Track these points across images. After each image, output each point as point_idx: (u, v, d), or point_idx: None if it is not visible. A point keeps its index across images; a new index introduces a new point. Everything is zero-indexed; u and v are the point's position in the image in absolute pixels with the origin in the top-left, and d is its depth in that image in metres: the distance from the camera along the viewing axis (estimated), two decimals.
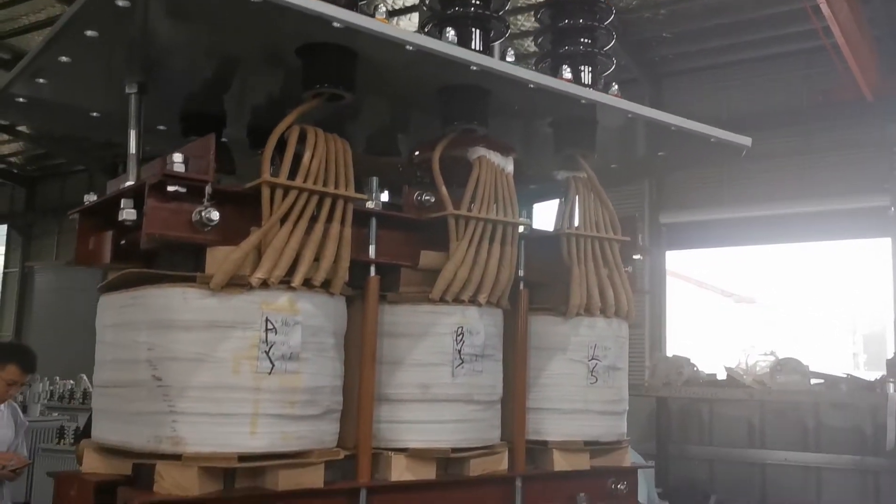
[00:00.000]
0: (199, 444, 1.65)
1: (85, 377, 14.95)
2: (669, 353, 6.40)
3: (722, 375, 6.60)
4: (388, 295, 1.98)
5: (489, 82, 2.00)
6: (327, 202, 1.80)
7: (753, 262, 14.10)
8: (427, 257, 2.01)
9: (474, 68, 1.89)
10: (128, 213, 1.81)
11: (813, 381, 5.96)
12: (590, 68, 2.32)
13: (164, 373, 1.67)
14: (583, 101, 2.09)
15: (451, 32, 1.93)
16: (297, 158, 1.82)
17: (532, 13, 3.80)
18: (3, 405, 6.06)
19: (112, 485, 1.79)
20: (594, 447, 2.23)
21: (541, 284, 2.25)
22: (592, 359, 2.22)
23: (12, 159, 20.82)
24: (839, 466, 5.50)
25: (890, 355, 8.32)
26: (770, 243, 11.99)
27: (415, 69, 1.92)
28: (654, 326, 11.01)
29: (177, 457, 1.64)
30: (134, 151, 1.95)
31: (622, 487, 2.29)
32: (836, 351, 14.73)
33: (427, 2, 2.21)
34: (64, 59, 1.84)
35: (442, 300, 1.97)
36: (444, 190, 2.01)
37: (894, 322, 10.64)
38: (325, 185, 1.80)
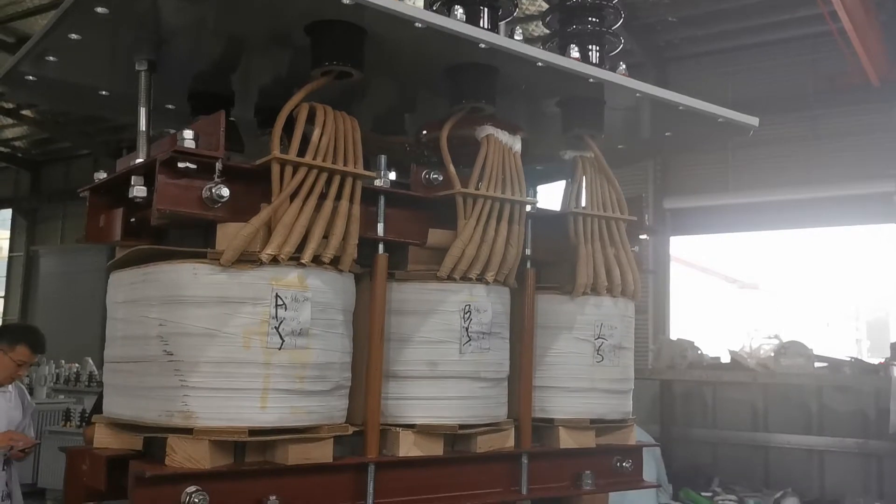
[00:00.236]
0: (210, 418, 1.67)
1: (90, 360, 15.03)
2: (673, 337, 6.40)
3: (726, 359, 6.62)
4: (397, 273, 1.99)
5: (497, 61, 2.00)
6: (336, 179, 1.81)
7: (757, 248, 14.09)
8: (435, 235, 2.02)
9: (483, 46, 1.89)
10: (138, 190, 1.82)
11: (816, 364, 5.97)
12: (597, 48, 2.32)
13: (175, 348, 1.69)
14: (591, 80, 2.09)
15: (459, 10, 1.93)
16: (305, 139, 1.83)
17: None
18: (10, 386, 6.11)
19: (123, 459, 1.81)
20: (600, 425, 2.25)
21: (548, 263, 2.26)
22: (598, 337, 2.23)
23: (17, 143, 20.84)
24: (842, 449, 5.52)
25: (894, 339, 8.32)
26: (775, 229, 11.97)
27: (423, 47, 1.92)
28: (657, 311, 11.02)
29: (188, 431, 1.66)
30: (144, 129, 1.95)
31: (627, 465, 2.30)
32: (840, 337, 14.74)
33: None
34: (74, 36, 1.85)
35: (450, 278, 1.98)
36: (452, 168, 2.01)
37: None
38: (334, 162, 1.81)
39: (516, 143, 2.12)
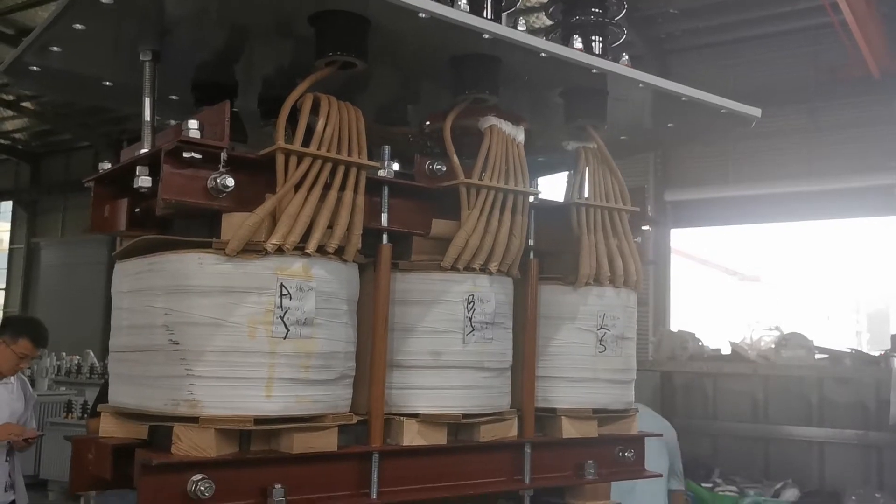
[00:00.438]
0: (215, 407, 1.68)
1: (91, 352, 15.07)
2: (674, 329, 6.41)
3: (727, 350, 6.63)
4: (400, 263, 2.00)
5: (500, 51, 2.00)
6: (341, 169, 1.82)
7: (758, 241, 14.10)
8: (439, 226, 2.03)
9: (487, 36, 1.89)
10: (143, 180, 1.83)
11: (817, 356, 5.98)
12: (600, 38, 2.32)
13: (180, 337, 1.70)
14: (594, 71, 2.09)
15: (462, 0, 1.93)
16: (309, 129, 1.83)
17: None
18: (13, 378, 6.12)
19: (128, 448, 1.82)
20: (602, 415, 2.26)
21: (550, 254, 2.27)
22: (601, 328, 2.24)
23: (17, 135, 20.82)
24: (842, 441, 5.53)
25: (894, 332, 8.32)
26: (776, 221, 11.98)
27: (426, 37, 1.92)
28: (658, 302, 11.05)
29: (194, 419, 1.67)
30: (148, 119, 1.96)
31: (629, 455, 2.32)
32: (840, 329, 14.77)
33: None
34: (78, 26, 1.85)
35: (453, 268, 1.99)
36: (455, 158, 2.02)
37: None
38: (338, 152, 1.81)
39: (520, 134, 2.12)
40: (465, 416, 1.99)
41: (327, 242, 1.79)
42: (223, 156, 1.72)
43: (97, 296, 19.45)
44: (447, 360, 1.98)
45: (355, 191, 1.84)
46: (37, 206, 21.54)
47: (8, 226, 22.30)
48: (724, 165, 11.32)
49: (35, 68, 2.11)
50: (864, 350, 7.24)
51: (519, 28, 2.09)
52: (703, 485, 5.94)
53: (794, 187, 11.12)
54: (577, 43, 2.19)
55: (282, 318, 1.72)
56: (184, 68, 2.17)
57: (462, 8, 1.91)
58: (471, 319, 2.01)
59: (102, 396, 6.22)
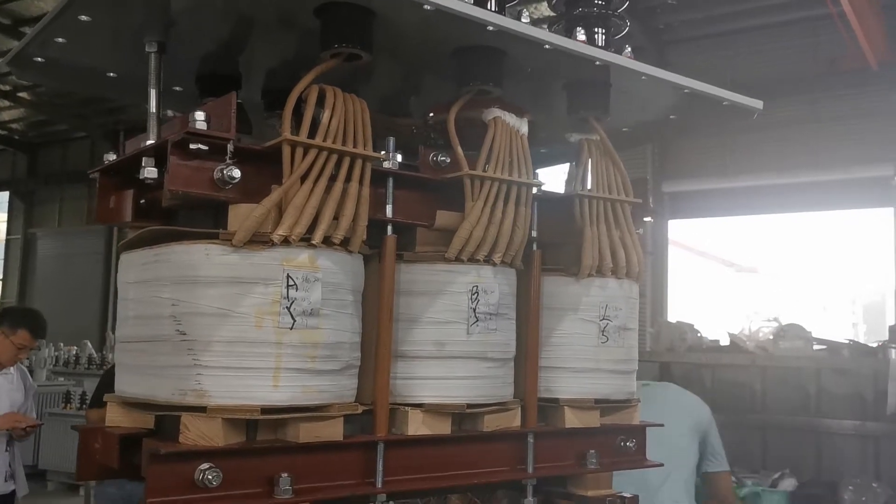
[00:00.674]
0: (223, 397, 1.69)
1: (89, 343, 15.07)
2: (672, 320, 6.44)
3: (725, 342, 6.66)
4: (405, 254, 2.01)
5: (504, 43, 2.01)
6: (346, 161, 1.83)
7: (755, 232, 14.13)
8: (443, 217, 2.04)
9: (491, 28, 1.90)
10: (149, 171, 1.84)
11: (815, 347, 6.01)
12: (603, 30, 2.33)
13: (188, 327, 1.71)
14: (597, 63, 2.10)
15: None
16: (313, 121, 1.84)
17: None
18: (12, 368, 6.14)
19: (134, 437, 1.84)
20: (604, 405, 2.27)
21: (553, 245, 2.28)
22: (603, 319, 2.25)
23: (13, 126, 20.78)
24: (840, 431, 5.57)
25: (890, 324, 8.36)
26: (773, 213, 12.01)
27: (430, 29, 1.93)
28: (655, 294, 11.08)
29: (201, 409, 1.68)
30: (154, 110, 1.96)
31: (631, 445, 2.33)
32: (837, 321, 14.80)
33: None
34: (84, 18, 1.86)
35: (457, 259, 2.00)
36: (459, 150, 2.03)
37: (895, 291, 10.69)
38: (343, 144, 1.82)
39: (523, 126, 2.13)
40: (470, 405, 2.01)
41: (333, 233, 1.80)
42: (230, 147, 1.73)
43: (94, 286, 19.46)
44: (451, 350, 2.00)
45: (361, 182, 1.85)
46: (34, 197, 21.51)
47: (5, 216, 22.27)
48: (721, 157, 11.34)
49: (39, 59, 2.11)
50: (862, 341, 7.27)
51: (522, 20, 2.09)
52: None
53: (792, 178, 11.15)
54: (581, 35, 2.20)
55: (288, 308, 1.73)
56: (188, 59, 2.17)
57: (466, 0, 1.92)
58: (475, 310, 2.02)
59: (102, 387, 6.24)
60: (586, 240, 2.21)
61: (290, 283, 1.74)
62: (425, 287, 2.00)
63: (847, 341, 6.13)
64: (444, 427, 1.99)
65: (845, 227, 13.13)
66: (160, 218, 2.00)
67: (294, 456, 1.77)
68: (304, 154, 1.77)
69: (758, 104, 2.41)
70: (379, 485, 1.87)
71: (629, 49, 2.30)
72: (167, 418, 1.83)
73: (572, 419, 2.21)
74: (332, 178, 1.81)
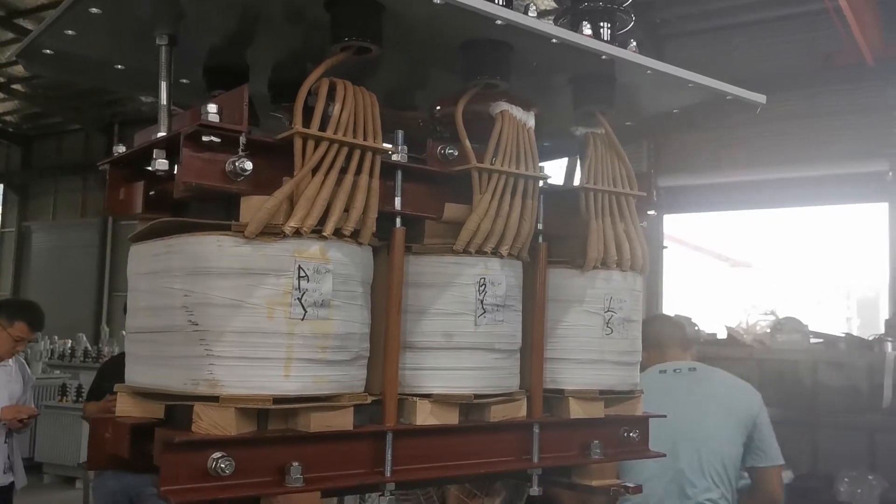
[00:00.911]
0: (235, 387, 1.71)
1: (84, 336, 15.06)
2: (670, 313, 6.47)
3: (722, 335, 6.69)
4: (414, 246, 2.03)
5: (512, 37, 2.02)
6: (356, 154, 1.85)
7: (749, 227, 14.17)
8: (451, 209, 2.06)
9: (500, 22, 1.91)
10: (160, 163, 1.85)
11: (812, 340, 6.05)
12: (609, 25, 2.34)
13: (200, 318, 1.72)
14: (604, 57, 2.12)
15: None
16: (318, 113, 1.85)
17: None
18: (11, 360, 6.15)
19: (145, 427, 1.86)
20: (609, 396, 2.30)
21: (558, 237, 2.30)
22: (608, 311, 2.27)
23: (7, 118, 20.71)
24: (835, 424, 5.61)
25: (882, 320, 8.40)
26: (768, 207, 12.05)
27: (439, 23, 1.94)
28: (650, 287, 11.12)
29: (214, 398, 1.70)
30: (165, 103, 1.98)
31: (634, 436, 2.36)
32: (831, 315, 14.88)
33: None
34: (94, 10, 1.87)
35: (465, 251, 2.02)
36: (467, 143, 2.05)
37: (889, 285, 10.75)
38: (354, 136, 1.84)
39: (530, 119, 2.15)
40: (477, 396, 2.03)
41: (343, 225, 1.82)
42: (242, 140, 1.74)
43: (89, 279, 19.44)
44: (459, 341, 2.02)
45: (370, 175, 1.87)
46: (28, 190, 21.46)
47: None
48: (717, 151, 11.38)
49: (48, 51, 2.12)
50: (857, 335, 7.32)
51: (530, 14, 2.11)
52: None
53: (788, 173, 11.19)
54: (587, 29, 2.21)
55: (299, 299, 1.75)
56: (195, 52, 2.18)
57: None
58: (482, 302, 2.04)
59: (100, 380, 6.25)
60: (592, 232, 2.23)
61: (302, 274, 1.76)
62: (433, 279, 2.02)
63: (843, 335, 6.17)
64: (451, 417, 2.01)
65: (840, 222, 13.19)
66: (169, 210, 2.01)
67: (305, 445, 1.78)
68: (316, 147, 1.79)
69: (761, 98, 2.44)
70: (388, 474, 1.89)
71: (634, 43, 2.31)
72: (177, 408, 1.85)
73: (577, 410, 2.23)
74: (343, 171, 1.83)
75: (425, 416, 1.97)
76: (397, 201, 1.99)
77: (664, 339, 4.43)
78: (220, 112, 1.75)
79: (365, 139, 1.86)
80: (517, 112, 2.12)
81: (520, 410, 2.15)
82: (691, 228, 14.58)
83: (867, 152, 10.61)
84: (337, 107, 1.83)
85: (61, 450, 11.48)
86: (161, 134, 1.93)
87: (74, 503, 10.02)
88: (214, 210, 1.95)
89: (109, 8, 1.86)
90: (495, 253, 2.06)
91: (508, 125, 2.09)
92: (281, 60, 2.29)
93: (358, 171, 1.85)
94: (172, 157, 1.85)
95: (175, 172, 1.81)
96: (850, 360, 5.45)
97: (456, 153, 2.08)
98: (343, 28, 1.87)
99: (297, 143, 1.77)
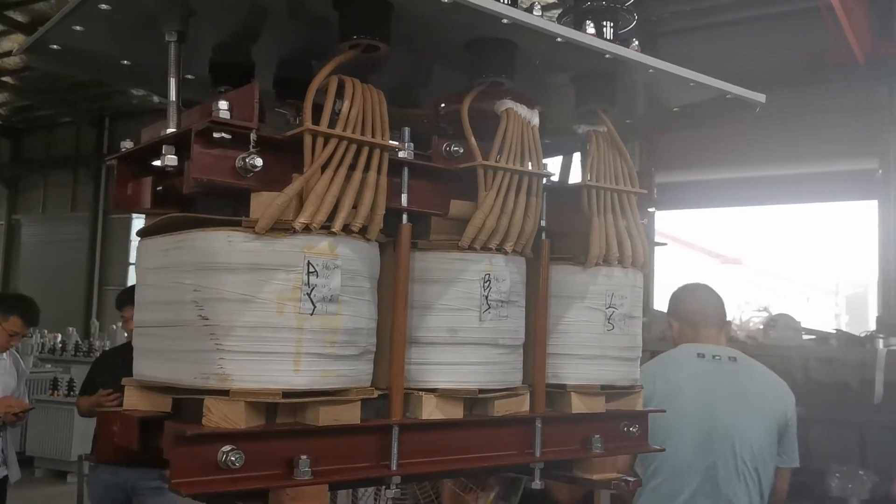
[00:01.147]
0: (245, 381, 1.72)
1: (74, 330, 15.01)
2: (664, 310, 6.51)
3: None
4: (419, 242, 2.05)
5: (516, 35, 2.04)
6: (365, 151, 1.86)
7: (740, 223, 14.24)
8: (456, 206, 2.08)
9: (506, 21, 1.93)
10: (170, 159, 1.87)
11: (805, 337, 6.10)
12: (612, 24, 2.37)
13: (210, 313, 1.74)
14: (608, 56, 2.14)
15: None
16: (321, 109, 1.87)
17: None
18: (5, 354, 6.14)
19: (153, 420, 1.88)
20: (610, 391, 2.33)
21: (560, 234, 2.32)
22: (609, 307, 2.30)
23: None
24: (826, 419, 5.67)
25: (871, 316, 8.47)
26: (759, 204, 12.11)
27: (445, 21, 1.96)
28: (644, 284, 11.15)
29: (224, 392, 1.72)
30: (174, 99, 1.99)
31: (634, 430, 2.39)
32: (819, 312, 14.96)
33: None
34: (104, 6, 1.88)
35: (470, 248, 2.05)
36: (473, 141, 2.07)
37: (878, 282, 10.84)
38: (362, 133, 1.86)
39: (534, 118, 2.17)
40: (482, 391, 2.05)
41: (352, 222, 1.84)
42: (252, 136, 1.76)
43: (78, 273, 19.37)
44: (464, 336, 2.04)
45: (379, 171, 1.89)
46: (18, 183, 21.35)
47: None
48: (708, 149, 11.42)
49: (55, 47, 2.13)
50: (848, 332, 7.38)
51: (535, 13, 2.13)
52: None
53: (778, 171, 11.25)
54: (590, 28, 2.24)
55: (309, 294, 1.77)
56: (202, 48, 2.20)
57: None
58: (487, 298, 2.06)
59: (93, 375, 6.25)
60: (594, 229, 2.26)
61: (311, 269, 1.77)
62: (439, 275, 2.04)
63: (835, 331, 6.23)
64: (456, 411, 2.04)
65: (829, 219, 13.27)
66: (176, 205, 2.02)
67: (313, 439, 1.80)
68: (325, 144, 1.81)
69: (760, 98, 2.47)
70: (394, 467, 1.92)
71: (636, 42, 2.34)
72: (184, 401, 1.87)
73: (579, 405, 2.26)
74: (351, 168, 1.85)
75: (431, 410, 2.00)
76: (404, 198, 2.01)
77: (700, 313, 4.09)
78: (230, 109, 1.76)
79: (373, 136, 1.88)
80: (522, 110, 2.14)
81: (523, 405, 2.17)
82: (682, 225, 14.64)
83: (857, 150, 10.68)
84: (346, 104, 1.85)
85: (53, 444, 11.45)
86: (170, 130, 1.94)
87: (66, 497, 10.00)
88: (221, 206, 1.96)
89: (120, 4, 1.87)
90: (500, 249, 2.09)
91: (513, 123, 2.12)
92: (286, 56, 2.30)
93: (366, 168, 1.87)
94: (181, 153, 1.87)
95: (184, 168, 1.83)
96: (841, 356, 5.50)
97: (461, 150, 2.10)
98: (352, 26, 1.89)
99: (307, 140, 1.79)
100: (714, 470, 3.76)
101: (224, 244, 1.75)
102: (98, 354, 10.54)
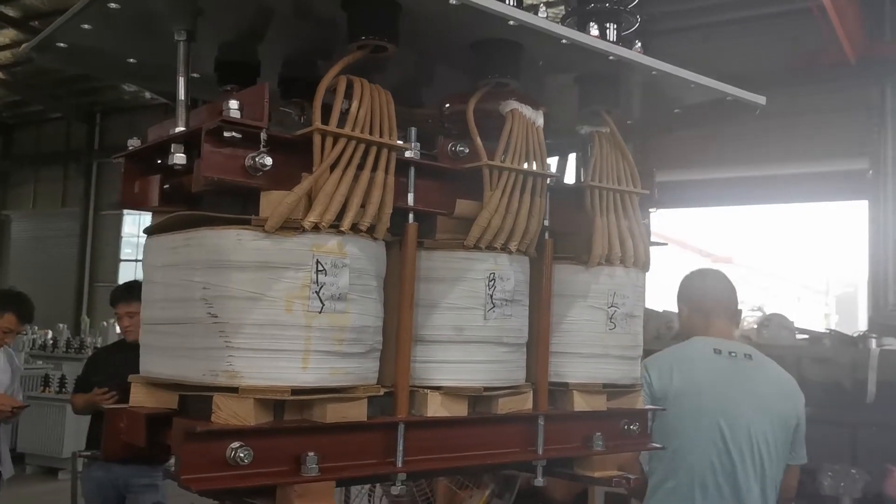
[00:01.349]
0: (254, 378, 1.74)
1: (65, 327, 14.95)
2: (658, 309, 6.55)
3: None
4: (425, 241, 2.06)
5: (522, 37, 2.06)
6: (373, 150, 1.88)
7: (732, 222, 14.31)
8: (462, 206, 2.10)
9: (512, 23, 1.95)
10: (178, 158, 1.88)
11: (798, 336, 6.15)
12: (615, 26, 2.39)
13: (219, 310, 1.76)
14: (611, 58, 2.16)
15: None
16: (328, 108, 1.88)
17: None
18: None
19: (160, 417, 1.89)
20: (611, 389, 2.35)
21: (563, 234, 2.35)
22: (611, 306, 2.33)
23: None
24: (819, 419, 5.70)
25: (861, 316, 8.53)
26: (752, 204, 12.18)
27: (452, 22, 1.97)
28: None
29: (233, 389, 1.73)
30: (183, 98, 2.00)
31: (634, 428, 2.41)
32: (809, 311, 15.06)
33: None
34: (113, 5, 1.89)
35: (476, 247, 2.07)
36: (479, 141, 2.08)
37: (868, 282, 10.91)
38: (371, 133, 1.87)
39: (539, 118, 2.19)
40: (486, 389, 2.07)
41: (360, 221, 1.85)
42: (263, 135, 1.77)
43: (69, 269, 19.30)
44: (469, 335, 2.06)
45: (386, 171, 1.91)
46: (8, 178, 21.26)
47: None
48: (701, 148, 11.47)
49: (62, 45, 2.14)
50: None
51: (540, 14, 2.15)
52: None
53: (770, 170, 11.31)
54: (594, 30, 2.26)
55: (317, 293, 1.79)
56: (208, 47, 2.20)
57: None
58: (492, 296, 2.08)
59: (87, 373, 6.24)
60: (597, 229, 2.28)
61: (320, 268, 1.79)
62: (445, 274, 2.06)
63: (828, 331, 6.28)
64: (461, 409, 2.06)
65: (820, 219, 13.36)
66: (183, 203, 2.03)
67: (320, 435, 1.82)
68: (334, 143, 1.82)
69: (761, 100, 2.50)
70: (399, 464, 1.93)
71: (639, 44, 2.36)
72: (191, 398, 1.88)
73: (581, 403, 2.28)
74: (359, 167, 1.86)
75: (436, 407, 2.02)
76: (410, 197, 2.03)
77: (712, 300, 3.95)
78: (241, 108, 1.78)
79: (381, 136, 1.89)
80: (527, 111, 2.16)
81: (526, 403, 2.20)
82: (673, 223, 14.71)
83: (848, 150, 10.75)
84: (354, 104, 1.86)
85: (44, 440, 11.42)
86: (179, 129, 1.95)
87: (58, 494, 9.98)
88: (228, 204, 1.97)
89: (129, 3, 1.88)
90: (504, 249, 2.11)
91: (518, 123, 2.13)
92: (292, 56, 2.32)
93: (374, 168, 1.89)
94: (190, 152, 1.88)
95: (193, 167, 1.84)
96: (834, 356, 5.55)
97: (466, 150, 2.12)
98: (360, 27, 1.90)
99: (317, 139, 1.80)
100: (732, 469, 3.71)
101: (234, 242, 1.77)
102: (90, 351, 10.52)
